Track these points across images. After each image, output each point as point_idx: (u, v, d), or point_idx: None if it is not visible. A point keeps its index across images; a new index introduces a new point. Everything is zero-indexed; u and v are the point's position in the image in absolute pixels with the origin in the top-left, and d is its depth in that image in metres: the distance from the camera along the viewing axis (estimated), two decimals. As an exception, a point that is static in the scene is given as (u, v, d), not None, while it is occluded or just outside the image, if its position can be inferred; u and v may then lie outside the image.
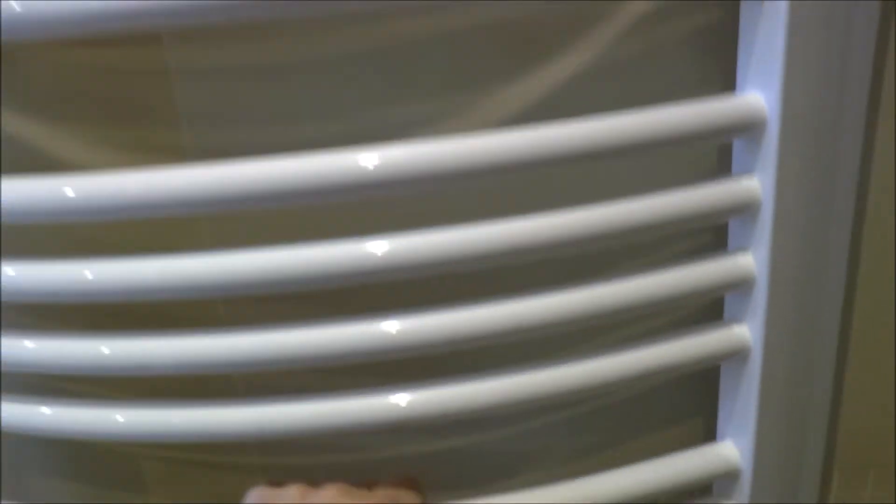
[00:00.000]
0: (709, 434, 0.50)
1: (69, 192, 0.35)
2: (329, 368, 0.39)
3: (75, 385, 0.48)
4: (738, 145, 0.40)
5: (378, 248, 0.36)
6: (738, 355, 0.41)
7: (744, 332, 0.41)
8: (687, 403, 0.50)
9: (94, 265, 0.37)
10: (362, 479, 0.41)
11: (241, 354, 0.39)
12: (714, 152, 0.42)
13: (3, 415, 0.42)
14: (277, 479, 0.40)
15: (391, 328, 0.38)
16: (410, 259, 0.36)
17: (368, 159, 0.34)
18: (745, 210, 0.38)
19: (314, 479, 0.40)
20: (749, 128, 0.37)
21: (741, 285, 0.40)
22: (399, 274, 0.36)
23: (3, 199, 0.35)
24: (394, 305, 0.38)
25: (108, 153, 0.41)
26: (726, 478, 0.45)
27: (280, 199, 0.35)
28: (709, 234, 0.43)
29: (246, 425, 0.41)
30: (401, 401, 0.39)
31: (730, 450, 0.45)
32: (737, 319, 0.41)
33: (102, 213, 0.36)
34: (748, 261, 0.39)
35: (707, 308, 0.45)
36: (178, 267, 0.37)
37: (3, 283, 0.37)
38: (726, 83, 0.39)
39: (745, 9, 0.36)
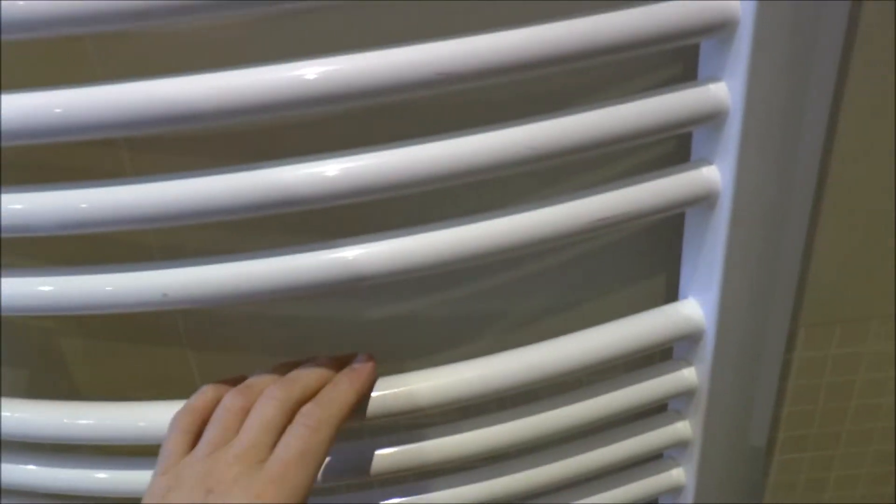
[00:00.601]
0: (670, 295, 0.46)
1: None
2: (255, 225, 0.34)
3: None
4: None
5: (310, 72, 0.30)
6: (706, 200, 0.37)
7: (713, 173, 0.37)
8: (648, 261, 0.46)
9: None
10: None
11: (150, 206, 0.33)
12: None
13: None
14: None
15: (329, 171, 0.32)
16: (348, 84, 0.30)
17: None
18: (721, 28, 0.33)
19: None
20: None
21: (712, 118, 0.35)
22: (335, 101, 0.30)
23: None
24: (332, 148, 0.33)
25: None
26: (688, 338, 0.42)
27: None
28: (679, 64, 0.38)
29: (162, 289, 0.36)
30: (337, 257, 0.35)
31: (692, 308, 0.42)
32: (706, 160, 0.37)
33: None
34: (721, 89, 0.34)
35: (673, 152, 0.41)
36: (69, 99, 0.31)
37: None
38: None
39: None
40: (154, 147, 0.40)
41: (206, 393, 0.36)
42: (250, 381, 0.36)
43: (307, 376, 0.36)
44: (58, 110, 0.31)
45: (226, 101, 0.30)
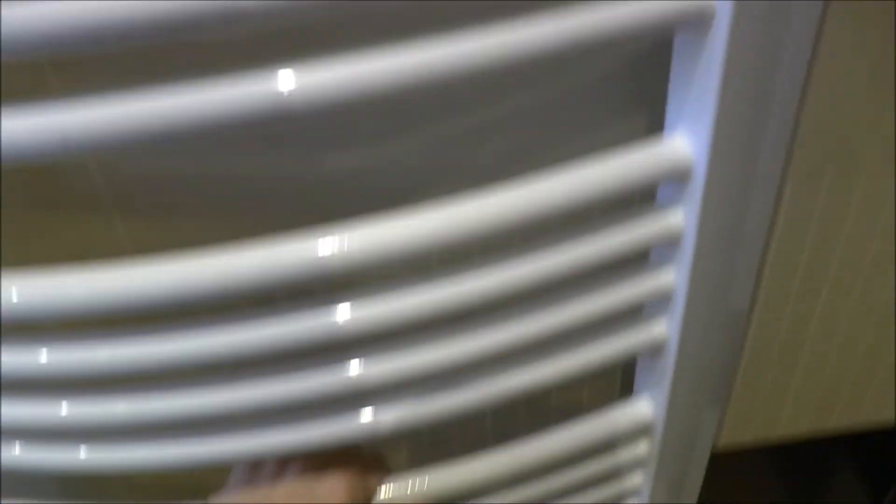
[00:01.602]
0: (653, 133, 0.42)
1: None
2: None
3: None
4: None
5: None
6: (699, 22, 0.32)
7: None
8: (629, 94, 0.41)
9: None
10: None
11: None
12: None
13: None
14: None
15: None
16: None
17: None
18: None
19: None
20: None
21: None
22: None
23: None
24: None
25: None
26: (674, 177, 0.38)
27: None
28: None
29: (61, 131, 0.30)
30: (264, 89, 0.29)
31: (680, 143, 0.37)
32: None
33: None
34: None
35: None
36: None
37: None
38: None
39: None
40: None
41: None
42: None
43: None
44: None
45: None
